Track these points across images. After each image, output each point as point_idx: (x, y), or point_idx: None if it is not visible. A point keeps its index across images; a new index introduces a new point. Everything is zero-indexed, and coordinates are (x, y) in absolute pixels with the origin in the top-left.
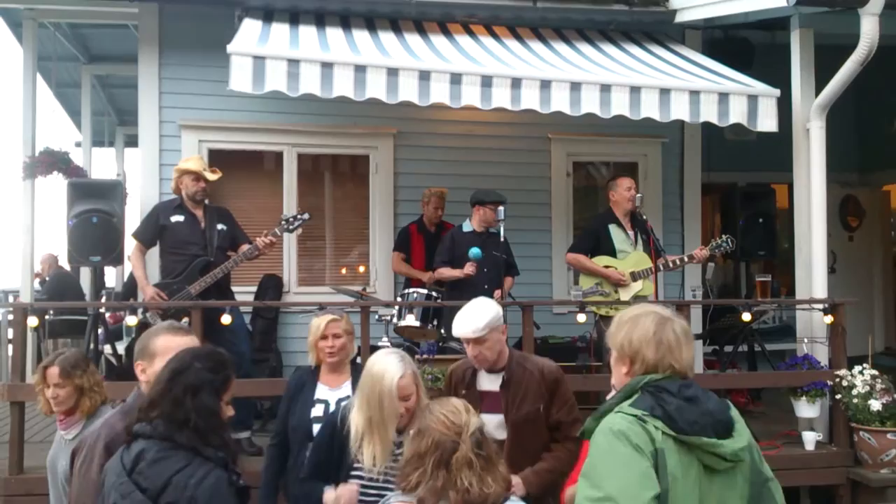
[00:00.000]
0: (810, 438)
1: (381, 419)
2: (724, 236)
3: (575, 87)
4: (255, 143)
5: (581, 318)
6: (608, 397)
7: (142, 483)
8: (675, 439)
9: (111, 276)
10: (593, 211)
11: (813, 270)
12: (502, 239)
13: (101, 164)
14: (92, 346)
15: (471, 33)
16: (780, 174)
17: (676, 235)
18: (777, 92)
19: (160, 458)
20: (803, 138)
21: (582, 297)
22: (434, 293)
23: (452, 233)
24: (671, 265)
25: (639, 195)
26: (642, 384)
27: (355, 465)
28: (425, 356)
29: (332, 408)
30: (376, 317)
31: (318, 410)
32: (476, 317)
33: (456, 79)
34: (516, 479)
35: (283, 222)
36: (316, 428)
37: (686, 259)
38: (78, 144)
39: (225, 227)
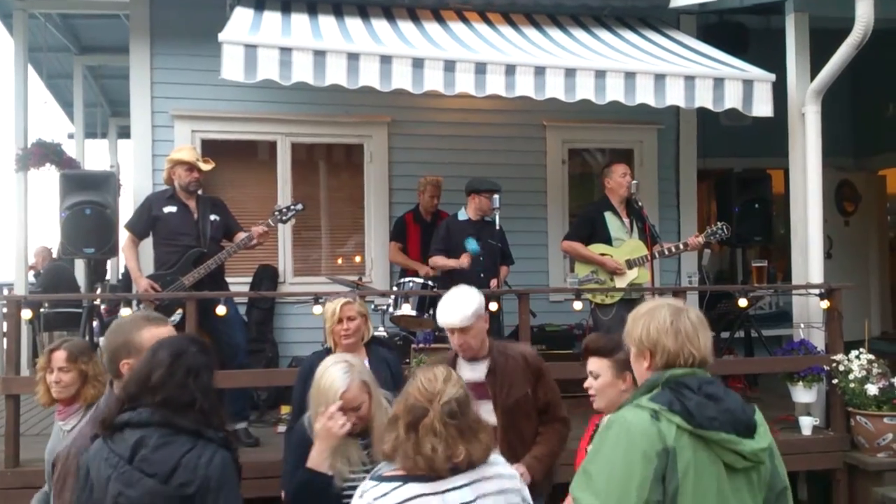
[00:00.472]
0: (807, 423)
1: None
2: (718, 223)
3: (570, 73)
4: (249, 133)
5: (577, 305)
6: (586, 385)
7: (147, 470)
8: (691, 434)
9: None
10: (589, 198)
11: (809, 256)
12: (497, 227)
13: (94, 156)
14: (87, 338)
15: (464, 20)
16: (776, 159)
17: (672, 222)
18: (772, 77)
19: (164, 443)
20: (799, 123)
21: (578, 285)
22: (430, 282)
23: (448, 221)
24: (667, 252)
25: (634, 182)
26: (664, 380)
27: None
28: (422, 345)
29: None
30: (372, 306)
31: None
32: (462, 306)
33: (450, 66)
34: (521, 468)
35: (277, 213)
36: None
37: (681, 247)
38: (70, 136)
39: (218, 218)
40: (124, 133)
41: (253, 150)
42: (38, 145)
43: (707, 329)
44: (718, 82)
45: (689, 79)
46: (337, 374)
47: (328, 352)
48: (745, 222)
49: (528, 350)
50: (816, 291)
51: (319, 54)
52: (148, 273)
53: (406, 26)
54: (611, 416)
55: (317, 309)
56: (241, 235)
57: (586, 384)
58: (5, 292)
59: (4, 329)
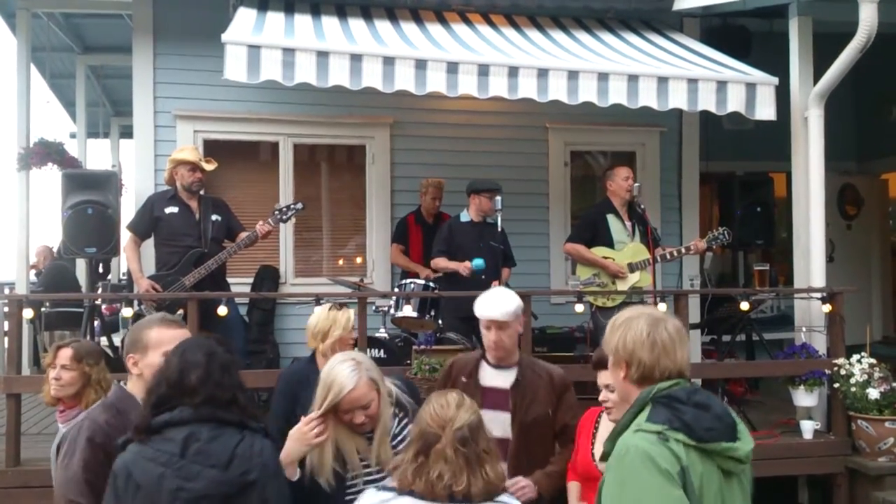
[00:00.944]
0: (808, 427)
1: (327, 433)
2: (720, 228)
3: (572, 75)
4: (251, 134)
5: (579, 308)
6: (601, 399)
7: (205, 462)
8: (695, 449)
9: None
10: (591, 200)
11: (811, 259)
12: (500, 229)
13: (96, 155)
14: (88, 337)
15: (467, 22)
16: (779, 163)
17: (674, 225)
18: (775, 80)
19: (215, 435)
20: (802, 127)
21: (580, 288)
22: (431, 284)
23: (450, 223)
24: (668, 256)
25: (636, 184)
26: (652, 396)
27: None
28: (423, 347)
29: None
30: (374, 308)
31: None
32: (505, 300)
33: (453, 68)
34: (527, 482)
35: (277, 212)
36: None
37: (683, 250)
38: (73, 135)
39: (220, 218)
40: (126, 133)
41: (255, 151)
42: (41, 144)
43: (685, 341)
44: (721, 85)
45: (692, 82)
46: (344, 373)
47: (313, 359)
48: (747, 225)
49: (556, 370)
50: (818, 295)
51: (322, 55)
52: (150, 273)
53: (409, 27)
54: (618, 448)
55: (317, 310)
56: (242, 235)
57: (602, 397)
58: (6, 291)
59: (6, 328)
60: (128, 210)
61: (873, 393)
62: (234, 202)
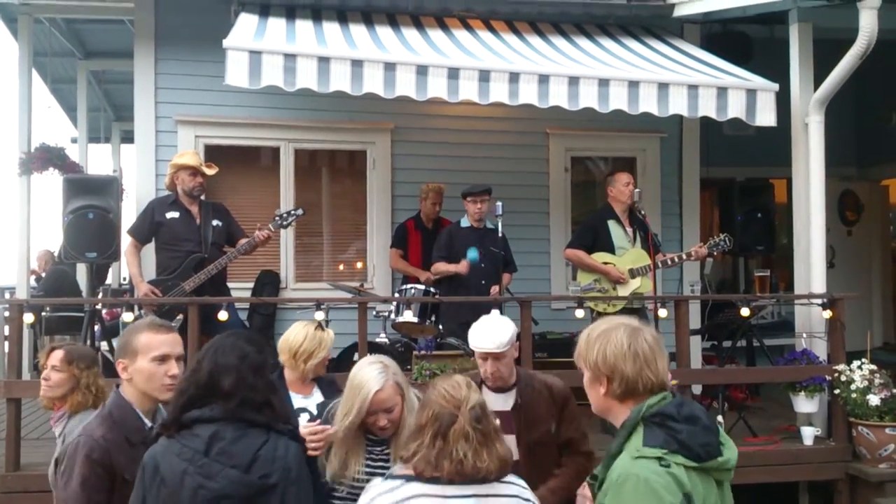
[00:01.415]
0: (809, 433)
1: (351, 431)
2: (722, 235)
3: (573, 81)
4: (252, 139)
5: (579, 313)
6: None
7: (227, 462)
8: (695, 469)
9: (111, 274)
10: (592, 206)
11: (811, 265)
12: (500, 234)
13: (97, 161)
14: (88, 342)
15: (468, 28)
16: (779, 169)
17: (675, 230)
18: (776, 86)
19: (240, 436)
20: (802, 133)
21: (580, 294)
22: (432, 289)
23: (450, 229)
24: (669, 262)
25: (637, 190)
26: (643, 416)
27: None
28: (423, 352)
29: (315, 415)
30: (374, 313)
31: (303, 420)
32: (499, 330)
33: (453, 73)
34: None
35: (277, 218)
36: None
37: (684, 256)
38: (74, 140)
39: (220, 223)
40: (128, 138)
41: (256, 156)
42: (42, 149)
43: (664, 350)
44: (722, 91)
45: (693, 88)
46: (372, 374)
47: (281, 376)
48: (747, 231)
49: (556, 382)
50: (819, 301)
51: (323, 61)
52: (150, 278)
53: (410, 33)
54: (617, 475)
55: (318, 315)
56: (243, 240)
57: None
58: (7, 296)
59: (6, 333)
60: (129, 215)
61: (874, 399)
62: (235, 207)
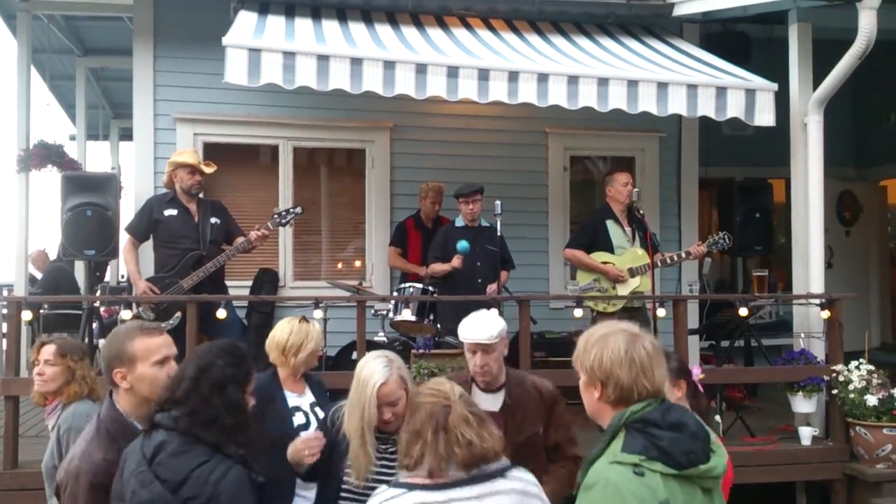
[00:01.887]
0: (806, 434)
1: (363, 427)
2: (720, 233)
3: (572, 80)
4: (251, 137)
5: (578, 313)
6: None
7: (161, 474)
8: (675, 477)
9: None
10: (590, 205)
11: (810, 265)
12: (499, 233)
13: (96, 158)
14: (87, 339)
15: (468, 26)
16: (778, 169)
17: (673, 230)
18: (775, 86)
19: (182, 451)
20: (801, 133)
21: (579, 293)
22: (430, 288)
23: (444, 229)
24: (669, 261)
25: (636, 190)
26: (625, 421)
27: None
28: (421, 351)
29: (310, 415)
30: (372, 311)
31: (300, 419)
32: (489, 323)
33: (453, 72)
34: None
35: (276, 216)
36: None
37: (683, 255)
38: (72, 138)
39: (219, 221)
40: (126, 135)
41: (255, 154)
42: (40, 147)
43: (663, 358)
44: (721, 91)
45: (692, 87)
46: (377, 368)
47: (275, 376)
48: (746, 231)
49: (545, 384)
50: (817, 301)
51: (323, 59)
52: (148, 275)
53: (409, 31)
54: (589, 477)
55: (317, 313)
56: (240, 239)
57: None
58: (5, 293)
59: (4, 330)
60: (127, 212)
61: (871, 399)
62: (234, 205)
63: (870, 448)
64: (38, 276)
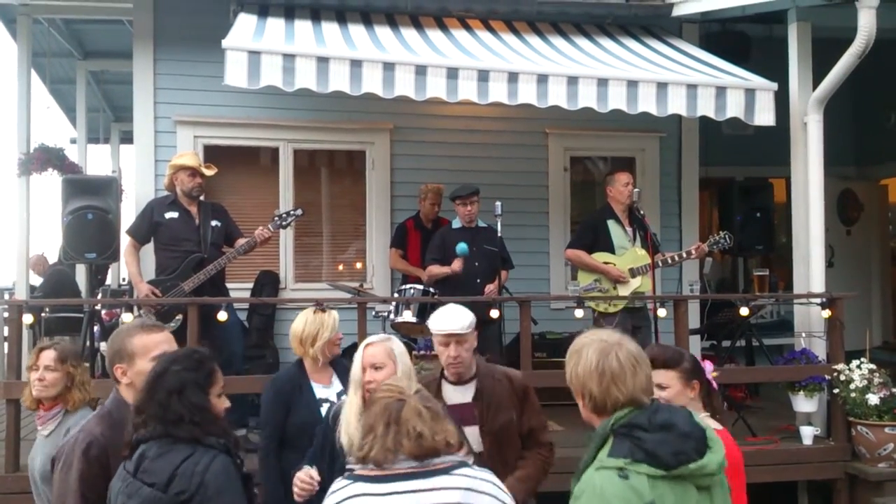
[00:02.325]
0: (808, 433)
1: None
2: (721, 233)
3: (572, 81)
4: (251, 139)
5: (579, 313)
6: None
7: (147, 479)
8: (664, 478)
9: (111, 274)
10: (591, 206)
11: (811, 265)
12: (499, 234)
13: (97, 161)
14: (88, 343)
15: (467, 28)
16: (778, 168)
17: (674, 230)
18: (774, 85)
19: (163, 452)
20: (801, 132)
21: (580, 294)
22: (431, 289)
23: (442, 231)
24: (670, 261)
25: (636, 190)
26: (610, 427)
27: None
28: (422, 352)
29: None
30: (373, 313)
31: (324, 410)
32: (460, 314)
33: (452, 73)
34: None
35: (276, 218)
36: None
37: (684, 255)
38: (73, 141)
39: (219, 224)
40: (127, 138)
41: (255, 157)
42: (41, 150)
43: (641, 366)
44: (720, 91)
45: (692, 87)
46: (374, 335)
47: (301, 366)
48: (746, 231)
49: (514, 372)
50: (818, 301)
51: (322, 61)
52: (149, 278)
53: (409, 33)
54: (578, 487)
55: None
56: (241, 241)
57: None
58: (6, 297)
59: (6, 334)
60: (128, 215)
61: (873, 398)
62: (234, 208)
63: (871, 447)
64: (38, 281)
